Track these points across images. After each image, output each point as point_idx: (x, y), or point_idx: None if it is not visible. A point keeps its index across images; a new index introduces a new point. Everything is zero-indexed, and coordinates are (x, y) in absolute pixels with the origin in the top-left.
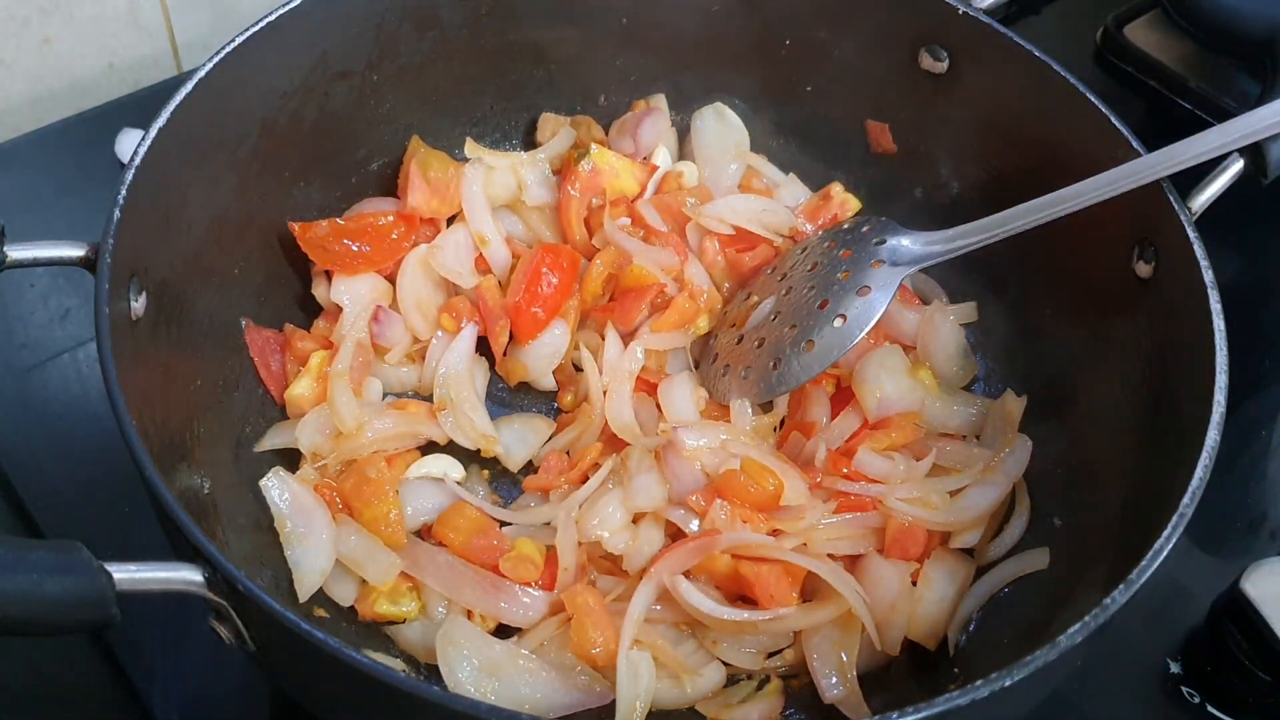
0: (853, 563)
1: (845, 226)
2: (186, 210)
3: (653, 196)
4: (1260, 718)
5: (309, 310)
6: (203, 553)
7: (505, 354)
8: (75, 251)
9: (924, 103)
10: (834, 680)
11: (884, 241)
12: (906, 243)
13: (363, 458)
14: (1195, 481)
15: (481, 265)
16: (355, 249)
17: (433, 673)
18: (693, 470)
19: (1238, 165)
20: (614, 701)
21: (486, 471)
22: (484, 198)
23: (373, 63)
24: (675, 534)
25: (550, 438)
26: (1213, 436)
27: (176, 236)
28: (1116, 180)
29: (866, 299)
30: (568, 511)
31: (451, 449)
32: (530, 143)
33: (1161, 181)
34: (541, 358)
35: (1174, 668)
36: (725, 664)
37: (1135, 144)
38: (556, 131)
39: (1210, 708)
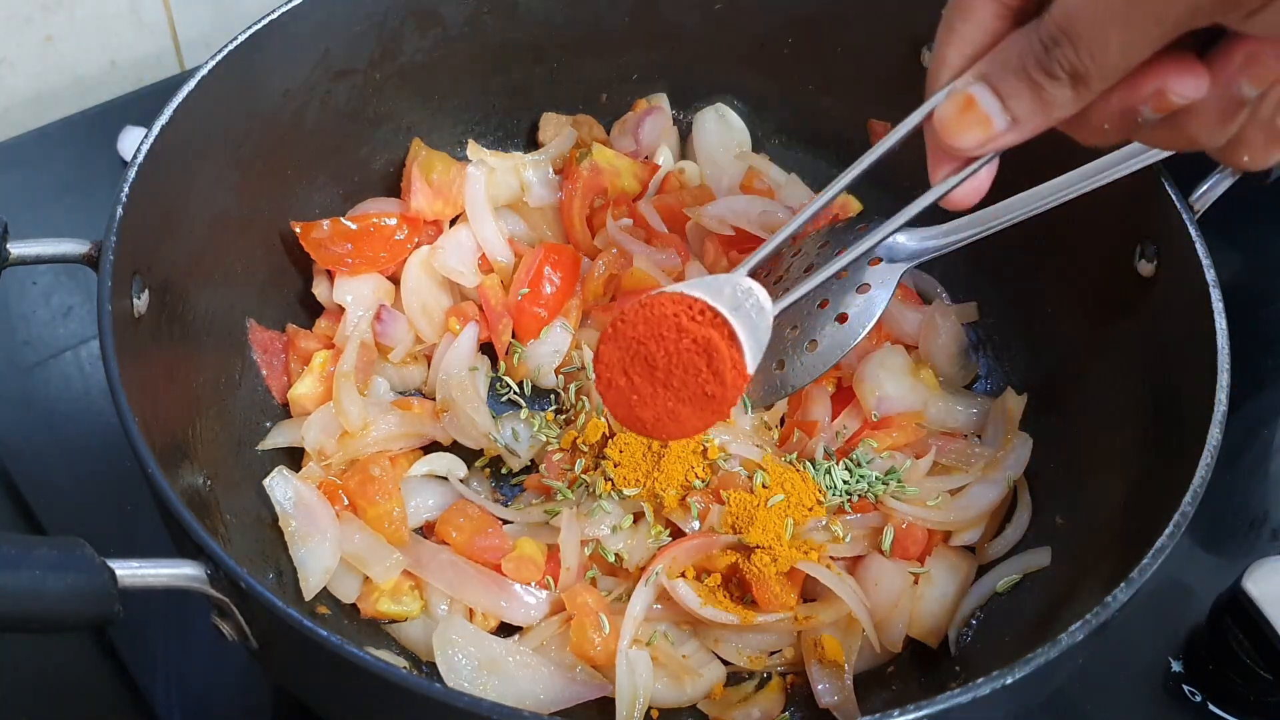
0: (854, 562)
1: (838, 226)
2: (189, 208)
3: (654, 196)
4: (1262, 716)
5: (311, 308)
6: (205, 549)
7: (507, 353)
8: (78, 249)
9: None
10: (830, 685)
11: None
12: (903, 239)
13: (366, 456)
14: (1197, 480)
15: (484, 265)
16: (357, 249)
17: (435, 670)
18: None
19: None
20: (613, 693)
21: (488, 470)
22: (486, 200)
23: (375, 61)
24: (675, 534)
25: (552, 437)
26: (1214, 435)
27: (179, 234)
28: (1110, 165)
29: (867, 296)
30: (570, 511)
31: (454, 447)
32: (532, 141)
33: (1164, 180)
34: (544, 356)
35: (1175, 666)
36: (725, 662)
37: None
38: (559, 131)
39: (1212, 706)
